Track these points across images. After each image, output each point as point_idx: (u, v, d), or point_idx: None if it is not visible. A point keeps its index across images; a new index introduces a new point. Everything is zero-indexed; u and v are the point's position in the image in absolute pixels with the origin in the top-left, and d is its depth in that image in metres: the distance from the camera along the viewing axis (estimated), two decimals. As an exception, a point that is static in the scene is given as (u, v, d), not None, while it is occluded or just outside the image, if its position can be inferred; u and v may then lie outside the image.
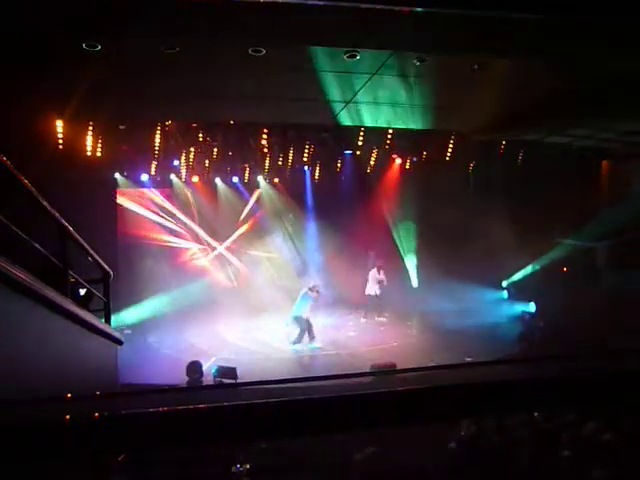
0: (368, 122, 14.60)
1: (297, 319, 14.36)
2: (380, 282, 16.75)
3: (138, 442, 1.68)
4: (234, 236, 19.06)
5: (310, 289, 14.63)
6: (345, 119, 13.66)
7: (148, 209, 17.75)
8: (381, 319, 16.50)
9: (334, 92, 10.98)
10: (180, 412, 1.63)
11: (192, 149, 16.64)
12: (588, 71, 9.84)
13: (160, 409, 1.62)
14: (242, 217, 19.15)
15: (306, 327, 14.25)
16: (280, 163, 17.89)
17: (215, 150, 16.75)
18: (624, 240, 15.07)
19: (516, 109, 12.33)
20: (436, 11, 6.60)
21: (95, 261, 7.41)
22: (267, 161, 17.79)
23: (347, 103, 11.86)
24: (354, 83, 10.57)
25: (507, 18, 6.66)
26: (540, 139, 15.45)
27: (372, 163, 18.35)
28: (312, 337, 14.30)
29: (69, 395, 1.85)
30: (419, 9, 6.63)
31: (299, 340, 14.20)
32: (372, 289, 16.71)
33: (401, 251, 18.85)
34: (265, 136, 16.41)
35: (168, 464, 4.42)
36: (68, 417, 1.58)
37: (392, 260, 17.72)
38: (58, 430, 1.58)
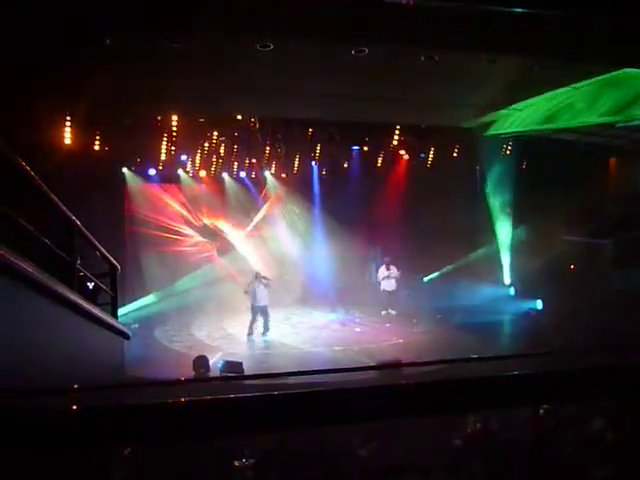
0: (376, 118, 14.57)
1: (251, 308, 14.77)
2: (391, 277, 16.80)
3: (144, 432, 1.70)
4: (242, 232, 19.09)
5: (255, 277, 14.98)
6: (352, 114, 13.65)
7: (155, 203, 17.78)
8: (392, 312, 16.60)
9: (341, 87, 10.95)
10: (186, 404, 1.64)
11: (199, 144, 16.65)
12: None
13: (166, 401, 1.63)
14: (255, 217, 19.20)
15: (258, 317, 14.62)
16: (287, 159, 17.89)
17: (222, 145, 16.76)
18: (631, 237, 14.99)
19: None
20: (445, 5, 6.59)
21: (103, 255, 7.45)
22: (274, 157, 17.78)
23: (354, 98, 11.83)
24: (361, 78, 10.53)
25: (511, 13, 6.64)
26: (547, 135, 15.38)
27: (380, 159, 18.33)
28: (266, 329, 14.68)
29: (75, 386, 1.86)
30: (432, 3, 6.63)
31: (250, 331, 14.56)
32: (387, 285, 16.82)
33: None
34: (272, 131, 16.40)
35: (173, 456, 4.44)
36: (75, 408, 1.60)
37: (404, 256, 17.67)
38: (65, 421, 1.60)
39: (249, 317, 14.79)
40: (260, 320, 14.74)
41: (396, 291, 16.99)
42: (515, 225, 18.06)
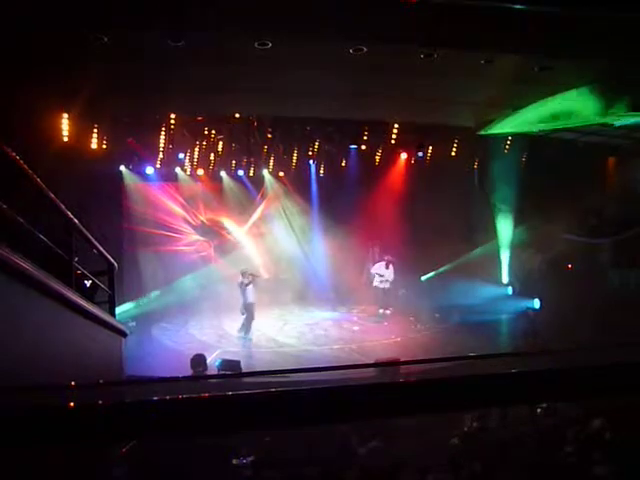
0: (374, 116, 14.57)
1: (244, 307, 14.78)
2: (384, 277, 16.72)
3: (142, 430, 1.69)
4: (239, 230, 19.08)
5: (242, 276, 15.03)
6: (350, 113, 13.64)
7: (153, 201, 17.75)
8: (386, 312, 16.53)
9: (339, 86, 10.95)
10: (184, 401, 1.64)
11: (197, 142, 16.64)
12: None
13: (164, 398, 1.63)
14: (252, 215, 19.20)
15: (251, 315, 14.67)
16: (285, 157, 17.88)
17: (220, 144, 16.74)
18: (630, 237, 15.01)
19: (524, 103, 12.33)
20: (444, 3, 6.59)
21: (100, 253, 7.43)
22: (272, 155, 17.77)
23: (352, 97, 11.83)
24: (360, 77, 10.53)
25: (510, 10, 6.64)
26: (546, 134, 15.40)
27: (377, 158, 18.32)
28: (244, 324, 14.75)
29: (73, 384, 1.86)
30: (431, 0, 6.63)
31: (247, 330, 14.56)
32: (381, 283, 16.70)
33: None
34: (270, 130, 16.40)
35: (171, 453, 4.44)
36: (72, 405, 1.59)
37: (401, 255, 17.65)
38: (63, 418, 1.59)
39: (242, 316, 14.79)
40: (247, 316, 14.81)
41: (390, 289, 16.89)
42: (513, 224, 18.06)
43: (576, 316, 12.92)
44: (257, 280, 15.29)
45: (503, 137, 16.87)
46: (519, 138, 16.61)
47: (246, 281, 14.91)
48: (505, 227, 18.20)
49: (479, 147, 17.69)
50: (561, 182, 15.42)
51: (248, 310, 14.70)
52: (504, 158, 17.84)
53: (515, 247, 17.99)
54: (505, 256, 18.29)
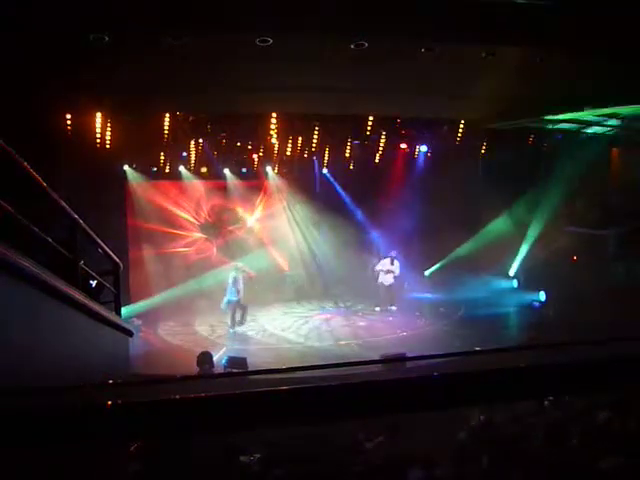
0: (377, 111, 14.53)
1: (229, 302, 15.06)
2: (391, 272, 16.68)
3: (149, 430, 1.70)
4: (243, 228, 19.09)
5: (236, 271, 15.28)
6: (353, 108, 13.61)
7: (157, 200, 17.75)
8: (392, 308, 16.52)
9: (341, 81, 10.92)
10: (192, 400, 1.64)
11: (200, 140, 16.64)
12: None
13: (171, 397, 1.63)
14: (256, 212, 19.22)
15: (238, 310, 14.95)
16: (288, 153, 17.87)
17: (223, 141, 16.74)
18: (634, 228, 14.96)
19: (527, 95, 12.25)
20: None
21: (105, 253, 7.44)
22: (275, 151, 17.76)
23: (355, 92, 11.80)
24: (362, 71, 10.50)
25: (511, 3, 6.61)
26: (549, 126, 15.33)
27: (381, 152, 18.29)
28: (242, 321, 15.02)
29: (81, 384, 1.86)
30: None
31: (232, 325, 14.90)
32: (385, 279, 16.68)
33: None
34: (273, 126, 16.37)
35: (179, 452, 4.45)
36: (80, 406, 1.60)
37: (405, 249, 17.64)
38: (70, 419, 1.60)
39: (229, 312, 15.11)
40: (239, 313, 15.04)
41: (394, 285, 16.87)
42: (516, 217, 18.02)
43: (581, 308, 12.90)
44: (247, 276, 15.35)
45: (507, 129, 16.80)
46: (523, 130, 16.55)
47: (238, 277, 14.96)
48: (508, 220, 18.15)
49: (483, 139, 17.65)
50: (565, 173, 15.37)
51: (231, 305, 14.90)
52: (508, 150, 17.80)
53: (520, 240, 17.95)
54: (511, 249, 18.24)
